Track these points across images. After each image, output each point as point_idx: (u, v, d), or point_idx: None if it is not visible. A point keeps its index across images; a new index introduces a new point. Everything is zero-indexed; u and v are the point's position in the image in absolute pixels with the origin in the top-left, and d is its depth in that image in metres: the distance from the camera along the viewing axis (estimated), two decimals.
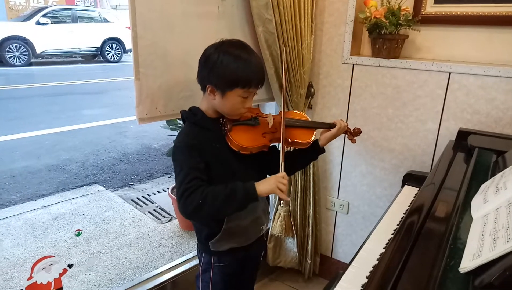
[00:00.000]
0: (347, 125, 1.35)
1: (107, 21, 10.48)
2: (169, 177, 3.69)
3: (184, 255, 1.92)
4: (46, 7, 9.93)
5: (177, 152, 1.11)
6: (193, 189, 1.03)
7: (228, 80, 1.08)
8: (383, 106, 1.80)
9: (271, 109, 1.95)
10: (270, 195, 1.82)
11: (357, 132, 1.39)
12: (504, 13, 1.54)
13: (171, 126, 2.50)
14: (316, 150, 1.31)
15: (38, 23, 9.08)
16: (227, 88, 1.09)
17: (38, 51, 9.06)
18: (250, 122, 1.19)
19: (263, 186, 1.06)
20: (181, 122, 2.24)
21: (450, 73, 1.61)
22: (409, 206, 1.27)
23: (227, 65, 1.07)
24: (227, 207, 1.06)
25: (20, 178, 3.46)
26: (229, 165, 1.14)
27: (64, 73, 8.42)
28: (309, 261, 2.09)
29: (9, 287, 2.04)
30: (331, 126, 1.32)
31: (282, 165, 1.12)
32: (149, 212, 2.95)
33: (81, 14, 10.19)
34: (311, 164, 1.92)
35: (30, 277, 1.21)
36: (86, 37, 9.77)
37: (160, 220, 2.82)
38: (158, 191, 3.35)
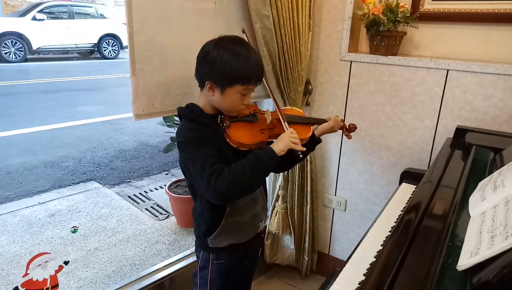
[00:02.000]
0: (342, 121, 1.37)
1: (104, 17, 10.42)
2: (166, 174, 3.68)
3: (181, 252, 1.92)
4: (42, 3, 9.83)
5: (185, 147, 1.10)
6: (218, 171, 1.03)
7: (229, 77, 1.07)
8: (381, 103, 1.80)
9: (268, 106, 1.94)
10: (268, 192, 1.82)
11: (352, 128, 1.42)
12: (502, 10, 1.54)
13: (168, 123, 2.49)
14: (313, 141, 1.32)
15: (34, 18, 9.01)
16: (227, 84, 1.08)
17: (34, 47, 8.99)
18: (248, 118, 1.18)
19: (278, 145, 1.11)
20: (178, 118, 2.23)
21: (448, 71, 1.60)
22: (406, 204, 1.27)
23: (227, 62, 1.06)
24: (256, 176, 1.09)
25: (16, 175, 3.44)
26: (228, 161, 1.13)
27: (60, 70, 8.37)
28: (306, 258, 2.09)
29: (4, 284, 2.03)
30: (324, 122, 1.35)
31: (285, 124, 1.19)
32: (146, 209, 2.94)
33: (77, 10, 10.11)
34: (308, 161, 1.92)
35: (26, 274, 1.20)
36: (82, 33, 9.71)
37: (157, 217, 2.82)
38: (155, 188, 3.34)
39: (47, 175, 3.48)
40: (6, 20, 9.25)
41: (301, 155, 1.16)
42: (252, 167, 1.06)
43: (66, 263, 1.30)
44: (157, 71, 1.31)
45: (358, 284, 0.87)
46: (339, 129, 1.38)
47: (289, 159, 1.17)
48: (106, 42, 10.20)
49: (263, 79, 1.18)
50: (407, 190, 1.44)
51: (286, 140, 1.12)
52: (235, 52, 1.07)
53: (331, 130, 1.36)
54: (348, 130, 1.41)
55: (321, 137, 1.36)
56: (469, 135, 1.40)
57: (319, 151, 2.03)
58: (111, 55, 10.31)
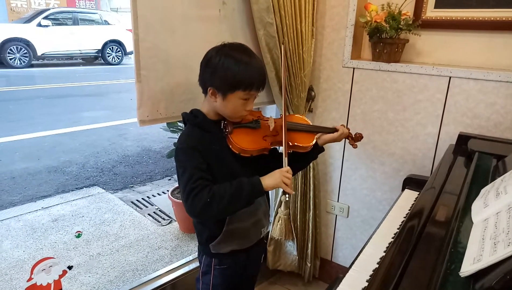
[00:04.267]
0: (349, 130, 1.36)
1: (108, 24, 10.51)
2: (169, 179, 3.69)
3: (183, 258, 1.92)
4: (48, 9, 9.95)
5: (180, 153, 1.11)
6: (199, 189, 1.04)
7: (230, 83, 1.09)
8: (384, 110, 1.81)
9: (271, 112, 1.95)
10: (270, 198, 1.82)
11: (358, 138, 1.40)
12: (504, 18, 1.55)
13: (171, 129, 2.50)
14: (316, 149, 1.31)
15: (39, 25, 9.10)
16: (228, 90, 1.09)
17: (39, 53, 9.07)
18: (251, 124, 1.19)
19: (268, 181, 1.09)
20: (181, 124, 2.24)
21: (450, 78, 1.61)
22: (409, 210, 1.27)
23: (228, 68, 1.08)
24: (235, 203, 1.07)
25: (20, 180, 3.46)
26: (230, 167, 1.14)
27: (64, 75, 8.43)
28: (309, 265, 2.09)
29: (8, 289, 2.03)
30: (332, 131, 1.33)
31: (285, 160, 1.14)
32: (149, 214, 2.95)
33: (82, 16, 10.21)
34: (311, 167, 1.93)
35: (30, 279, 1.21)
36: (87, 39, 9.79)
37: (160, 222, 2.82)
38: (158, 194, 3.35)
39: (50, 180, 3.50)
40: (12, 26, 9.34)
41: (287, 198, 1.14)
42: (232, 194, 1.06)
43: (70, 268, 1.31)
44: (162, 78, 1.32)
45: None
46: (345, 138, 1.37)
47: (295, 164, 1.17)
48: (110, 48, 10.27)
49: (281, 86, 1.18)
50: (409, 196, 1.44)
51: (278, 179, 1.09)
52: (237, 59, 1.09)
53: (335, 140, 1.35)
54: (354, 139, 1.39)
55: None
56: (471, 142, 1.41)
57: (321, 157, 2.03)
58: (114, 61, 10.38)
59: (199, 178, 1.05)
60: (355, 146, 1.40)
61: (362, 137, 1.40)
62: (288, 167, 1.12)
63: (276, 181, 1.09)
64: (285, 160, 1.14)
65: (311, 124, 1.35)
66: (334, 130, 1.33)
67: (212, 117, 1.17)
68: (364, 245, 1.09)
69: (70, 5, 13.33)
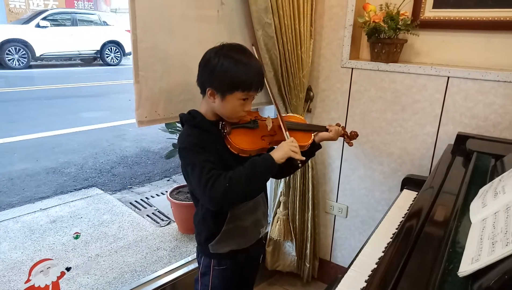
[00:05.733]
0: (344, 128, 1.38)
1: (107, 24, 10.51)
2: (168, 180, 3.69)
3: (182, 259, 1.92)
4: (46, 10, 9.95)
5: (184, 153, 1.11)
6: (215, 178, 1.04)
7: (229, 84, 1.09)
8: (382, 110, 1.81)
9: (269, 112, 1.95)
10: (269, 199, 1.82)
11: (353, 136, 1.42)
12: (502, 18, 1.55)
13: (170, 129, 2.50)
14: (313, 147, 1.32)
15: (38, 26, 9.09)
16: (227, 91, 1.09)
17: (37, 54, 9.06)
18: (249, 125, 1.19)
19: (278, 153, 1.12)
20: (180, 125, 2.24)
21: (448, 78, 1.61)
22: (408, 210, 1.27)
23: (227, 69, 1.08)
24: (252, 182, 1.09)
25: (18, 181, 3.45)
26: (229, 167, 1.14)
27: (63, 76, 8.43)
28: (307, 265, 2.09)
29: None
30: (325, 130, 1.35)
31: (286, 133, 1.19)
32: (147, 215, 2.94)
33: (80, 17, 10.20)
34: (310, 167, 1.93)
35: (28, 280, 1.20)
36: (85, 40, 9.78)
37: (158, 223, 2.81)
38: (156, 195, 3.34)
39: (49, 181, 3.49)
40: (10, 27, 9.34)
41: (300, 164, 1.15)
42: (248, 174, 1.07)
43: (68, 269, 1.30)
44: (160, 78, 1.32)
45: None
46: (341, 136, 1.38)
47: (288, 167, 1.18)
48: (108, 49, 10.26)
49: (267, 86, 1.19)
50: (408, 196, 1.44)
51: (286, 149, 1.12)
52: (236, 60, 1.09)
53: (331, 139, 1.36)
54: (350, 137, 1.41)
55: (322, 144, 1.36)
56: (470, 142, 1.41)
57: (320, 157, 2.03)
58: (113, 61, 10.37)
59: (211, 168, 1.06)
60: (351, 144, 1.42)
61: (357, 135, 1.42)
62: (292, 138, 1.17)
63: (284, 151, 1.12)
64: (285, 133, 1.19)
65: (307, 123, 1.36)
66: (326, 129, 1.35)
67: (210, 117, 1.17)
68: (363, 245, 1.09)
69: (69, 6, 13.33)
